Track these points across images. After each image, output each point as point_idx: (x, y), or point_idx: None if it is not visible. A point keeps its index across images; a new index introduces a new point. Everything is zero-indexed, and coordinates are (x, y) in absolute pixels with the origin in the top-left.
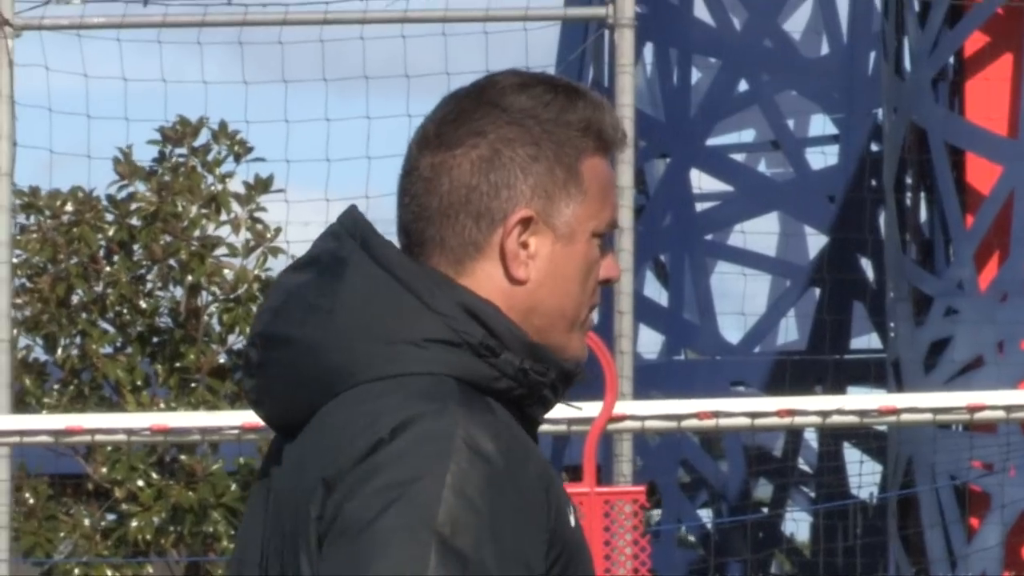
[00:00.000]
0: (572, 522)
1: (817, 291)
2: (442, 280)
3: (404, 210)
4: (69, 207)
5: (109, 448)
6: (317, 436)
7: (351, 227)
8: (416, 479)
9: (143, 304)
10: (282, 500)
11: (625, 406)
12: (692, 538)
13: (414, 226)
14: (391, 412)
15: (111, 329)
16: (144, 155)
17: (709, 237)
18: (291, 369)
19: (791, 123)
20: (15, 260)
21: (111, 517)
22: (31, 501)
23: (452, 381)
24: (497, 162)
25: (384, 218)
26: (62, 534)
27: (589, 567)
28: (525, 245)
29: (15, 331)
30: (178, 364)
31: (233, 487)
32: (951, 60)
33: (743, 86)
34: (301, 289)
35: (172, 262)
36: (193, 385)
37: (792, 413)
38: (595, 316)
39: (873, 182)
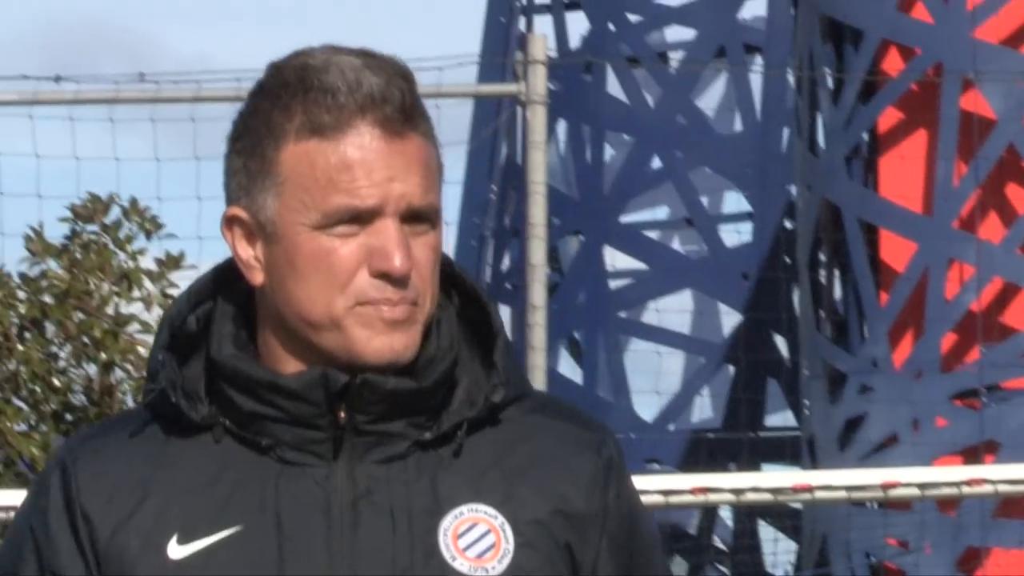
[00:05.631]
0: (181, 552)
1: (731, 369)
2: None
3: None
4: None
5: None
6: None
7: None
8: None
9: (56, 382)
10: None
11: None
12: None
13: None
14: None
15: (25, 407)
16: (55, 232)
17: (623, 315)
18: None
19: (704, 200)
20: None
21: None
22: None
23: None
24: (225, 163)
25: None
26: None
27: None
28: (252, 247)
29: None
30: None
31: None
32: (865, 136)
33: (656, 163)
34: None
35: (85, 339)
36: None
37: (706, 491)
38: (385, 311)
39: (787, 259)
